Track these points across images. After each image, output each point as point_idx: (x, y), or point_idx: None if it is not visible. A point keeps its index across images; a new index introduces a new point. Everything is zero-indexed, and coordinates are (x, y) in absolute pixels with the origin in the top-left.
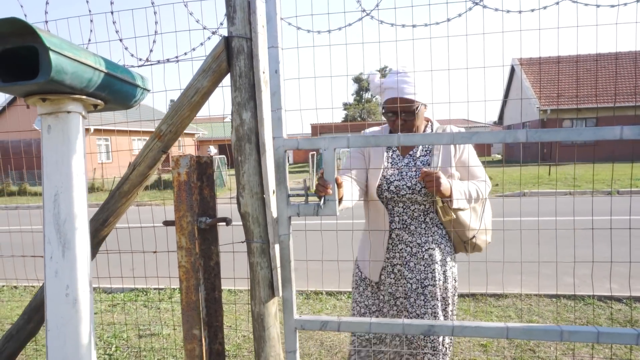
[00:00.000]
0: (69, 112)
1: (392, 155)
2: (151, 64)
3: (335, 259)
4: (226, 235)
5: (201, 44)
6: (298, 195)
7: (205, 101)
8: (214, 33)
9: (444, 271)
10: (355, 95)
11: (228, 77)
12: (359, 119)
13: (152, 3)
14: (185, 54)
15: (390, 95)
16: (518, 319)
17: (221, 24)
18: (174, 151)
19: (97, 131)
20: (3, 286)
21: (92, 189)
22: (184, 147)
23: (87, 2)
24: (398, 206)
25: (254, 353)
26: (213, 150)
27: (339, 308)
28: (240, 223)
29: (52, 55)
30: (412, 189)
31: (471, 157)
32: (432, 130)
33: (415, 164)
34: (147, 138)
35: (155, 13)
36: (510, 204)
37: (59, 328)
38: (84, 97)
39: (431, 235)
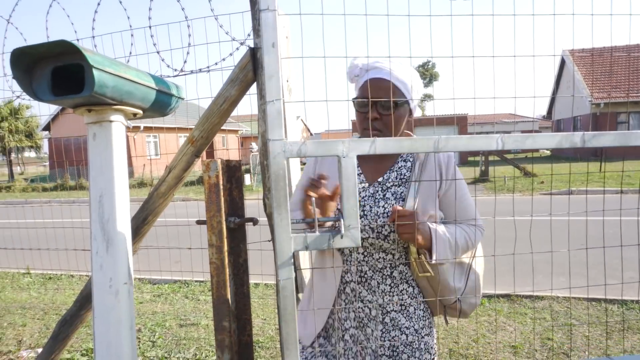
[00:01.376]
0: (111, 121)
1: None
2: (185, 74)
3: None
4: (256, 234)
5: (230, 55)
6: (305, 221)
7: (234, 108)
8: (242, 44)
9: (410, 342)
10: None
11: (255, 85)
12: None
13: (186, 17)
14: (216, 64)
15: (370, 76)
16: (553, 322)
17: (248, 35)
18: (219, 149)
19: (147, 129)
20: (61, 275)
21: (141, 184)
22: (227, 146)
23: (128, 18)
24: (357, 251)
25: (280, 345)
26: (255, 146)
27: None
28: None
29: (95, 72)
30: (377, 232)
31: (461, 191)
32: None
33: (384, 196)
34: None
35: (188, 26)
36: (556, 203)
37: (103, 316)
38: (124, 107)
39: (397, 294)
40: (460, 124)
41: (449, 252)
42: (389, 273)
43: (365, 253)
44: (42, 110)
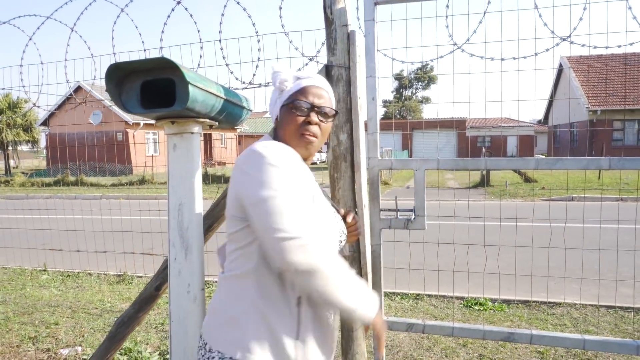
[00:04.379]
0: (192, 133)
1: None
2: (254, 87)
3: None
4: None
5: (299, 70)
6: (389, 210)
7: None
8: (311, 60)
9: None
10: (395, 93)
11: None
12: (398, 116)
13: (256, 32)
14: None
15: (308, 83)
16: (574, 328)
17: (318, 51)
18: (216, 144)
19: (147, 125)
20: (79, 272)
21: (142, 181)
22: (226, 140)
23: (198, 31)
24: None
25: (342, 350)
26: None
27: (408, 310)
28: None
29: (190, 87)
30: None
31: None
32: None
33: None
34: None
35: (258, 41)
36: (556, 210)
37: (181, 320)
38: (204, 119)
39: None
40: (458, 127)
41: None
42: None
43: None
44: (40, 104)
